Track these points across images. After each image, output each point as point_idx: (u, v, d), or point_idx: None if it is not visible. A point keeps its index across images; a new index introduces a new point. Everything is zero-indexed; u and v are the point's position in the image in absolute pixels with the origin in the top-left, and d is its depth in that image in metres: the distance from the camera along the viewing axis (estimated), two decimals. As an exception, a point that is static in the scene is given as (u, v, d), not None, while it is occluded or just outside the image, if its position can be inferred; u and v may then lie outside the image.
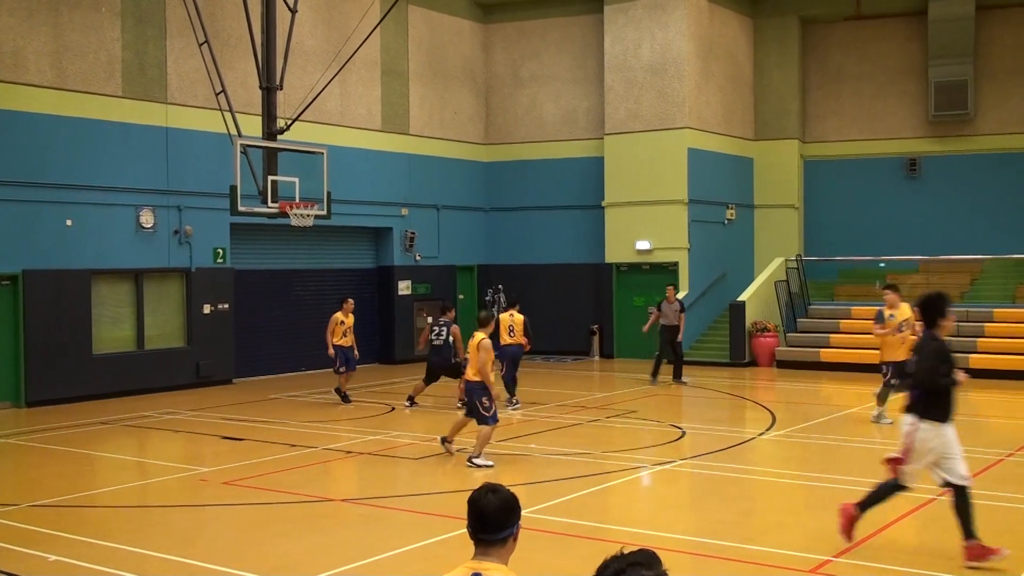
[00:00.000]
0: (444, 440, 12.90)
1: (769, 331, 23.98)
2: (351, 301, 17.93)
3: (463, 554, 3.81)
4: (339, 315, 17.50)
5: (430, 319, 17.30)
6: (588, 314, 26.04)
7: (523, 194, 26.96)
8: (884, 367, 15.12)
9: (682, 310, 20.62)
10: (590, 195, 26.00)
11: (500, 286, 26.41)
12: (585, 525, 9.51)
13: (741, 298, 24.26)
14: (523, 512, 3.83)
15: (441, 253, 25.78)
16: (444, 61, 26.09)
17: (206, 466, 12.54)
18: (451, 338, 16.50)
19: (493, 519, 3.76)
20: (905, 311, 14.96)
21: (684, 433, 14.84)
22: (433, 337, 16.68)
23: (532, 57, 26.98)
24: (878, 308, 15.84)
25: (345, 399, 17.67)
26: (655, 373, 20.54)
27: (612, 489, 11.35)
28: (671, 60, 24.65)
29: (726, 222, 26.24)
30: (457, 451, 12.84)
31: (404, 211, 24.70)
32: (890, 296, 15.48)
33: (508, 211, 27.12)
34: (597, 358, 25.46)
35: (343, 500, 10.67)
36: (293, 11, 19.52)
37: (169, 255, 19.82)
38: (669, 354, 20.52)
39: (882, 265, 25.94)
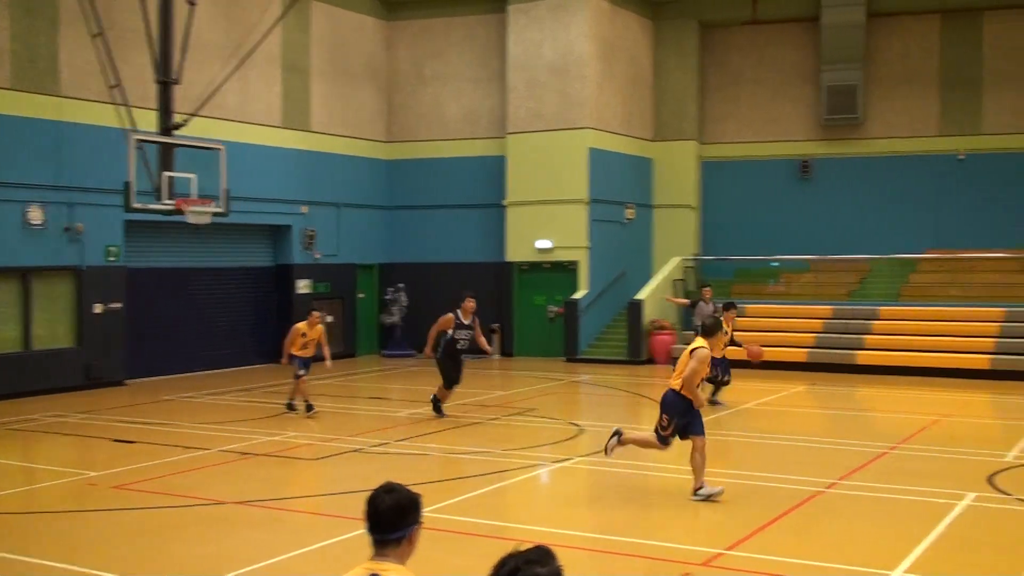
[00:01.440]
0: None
1: (666, 329, 24.38)
2: (317, 314, 16.71)
3: (363, 555, 3.80)
4: (302, 326, 16.39)
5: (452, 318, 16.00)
6: (489, 313, 26.11)
7: (425, 192, 26.91)
8: None
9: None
10: (491, 194, 26.08)
11: (401, 285, 26.32)
12: (483, 524, 9.55)
13: (638, 296, 24.61)
14: (423, 512, 3.82)
15: (341, 251, 25.57)
16: (346, 58, 25.88)
17: (95, 470, 12.21)
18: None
19: (387, 519, 3.76)
20: None
21: (582, 430, 15.00)
22: (461, 337, 16.00)
23: (435, 55, 26.94)
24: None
25: (303, 408, 16.33)
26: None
27: (510, 487, 11.42)
28: (573, 61, 24.88)
29: (626, 222, 26.59)
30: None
31: (304, 209, 24.43)
32: None
33: (410, 209, 27.03)
34: (497, 357, 25.56)
35: (239, 503, 10.52)
36: (192, 3, 19.14)
37: (59, 253, 19.25)
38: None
39: (776, 264, 26.62)
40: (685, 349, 10.72)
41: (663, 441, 10.60)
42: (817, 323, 23.48)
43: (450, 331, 16.04)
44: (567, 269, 25.17)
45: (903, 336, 22.32)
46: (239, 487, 11.33)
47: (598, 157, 25.17)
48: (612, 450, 10.95)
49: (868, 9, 25.88)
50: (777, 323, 23.70)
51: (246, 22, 22.46)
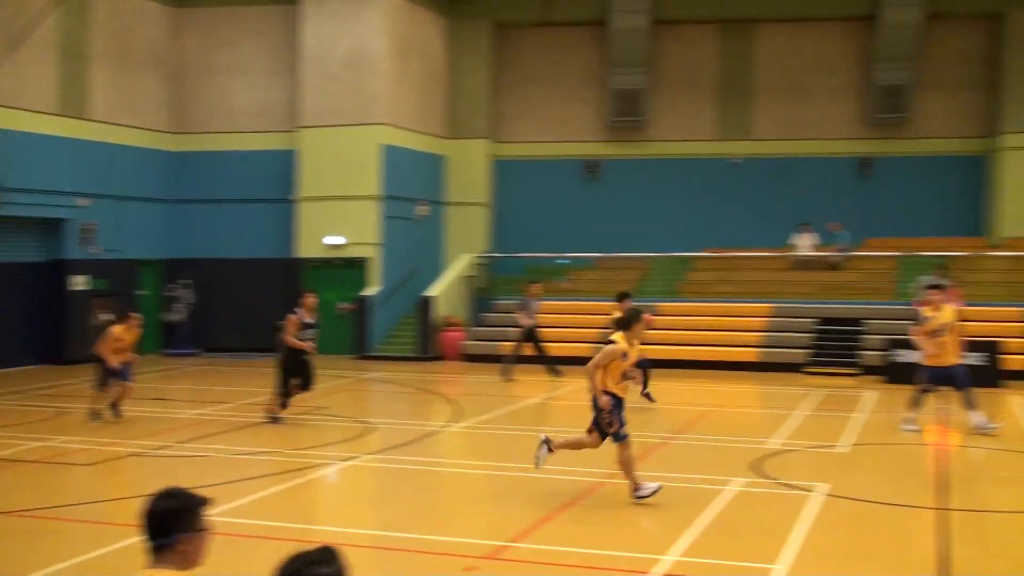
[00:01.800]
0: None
1: (455, 326, 24.66)
2: (136, 317, 15.68)
3: (140, 563, 3.71)
4: (118, 329, 15.23)
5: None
6: (277, 310, 25.59)
7: (213, 186, 26.14)
8: (921, 372, 14.33)
9: None
10: (282, 189, 25.63)
11: (186, 281, 25.50)
12: (269, 525, 9.43)
13: (429, 293, 24.79)
14: (204, 517, 3.76)
15: (123, 246, 24.50)
16: (130, 45, 24.80)
17: None
18: None
19: (157, 524, 3.69)
20: (948, 313, 14.06)
21: (371, 428, 15.00)
22: (306, 337, 15.18)
23: (226, 45, 26.21)
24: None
25: (113, 414, 15.19)
26: None
27: (297, 487, 11.30)
28: (367, 56, 24.76)
29: (418, 218, 26.69)
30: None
31: (82, 201, 23.26)
32: (936, 296, 14.47)
33: (197, 203, 26.19)
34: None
35: (5, 513, 9.97)
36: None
37: None
38: None
39: (564, 262, 27.37)
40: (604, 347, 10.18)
41: (620, 437, 10.05)
42: (600, 319, 24.26)
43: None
44: (358, 266, 25.05)
45: (680, 331, 23.39)
46: (7, 497, 10.73)
47: (391, 153, 25.15)
48: (542, 460, 10.54)
49: (653, 16, 26.95)
50: (566, 319, 24.37)
51: (17, 3, 21.19)
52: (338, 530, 9.29)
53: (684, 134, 27.69)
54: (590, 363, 10.15)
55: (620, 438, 10.12)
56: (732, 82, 27.54)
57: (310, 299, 15.57)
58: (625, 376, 10.21)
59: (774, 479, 11.30)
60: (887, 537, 9.08)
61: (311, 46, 25.02)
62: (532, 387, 19.11)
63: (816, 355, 22.14)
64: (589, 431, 10.41)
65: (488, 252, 27.70)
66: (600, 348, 10.33)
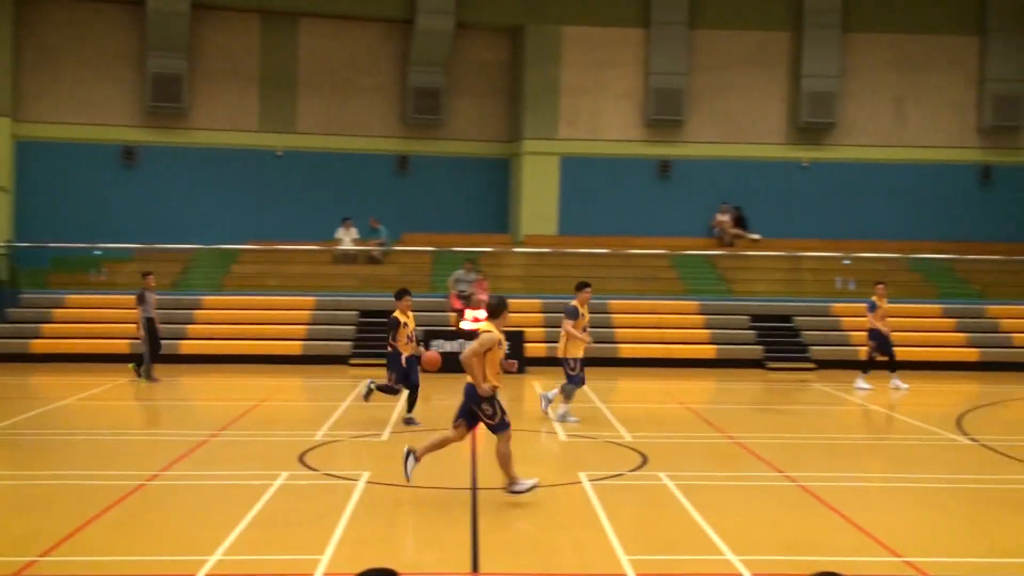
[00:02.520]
0: None
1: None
2: None
3: None
4: None
5: None
6: None
7: None
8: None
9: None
10: None
11: None
12: None
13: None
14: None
15: None
16: None
17: None
18: None
19: None
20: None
21: None
22: None
23: None
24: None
25: None
26: None
27: None
28: None
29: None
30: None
31: None
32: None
33: None
34: None
35: None
36: None
37: None
38: None
39: (98, 252, 25.80)
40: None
41: (503, 427, 9.95)
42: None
43: None
44: None
45: (224, 325, 23.01)
46: None
47: None
48: (410, 471, 10.19)
49: None
50: (101, 314, 23.00)
51: None
52: None
53: (227, 123, 27.24)
54: (468, 352, 9.89)
55: (501, 428, 9.97)
56: (274, 74, 27.52)
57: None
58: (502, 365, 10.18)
59: (319, 470, 11.52)
60: (425, 519, 9.62)
61: None
62: (66, 388, 17.83)
63: (359, 348, 22.79)
64: (456, 425, 10.15)
65: (10, 241, 25.37)
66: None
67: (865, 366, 19.88)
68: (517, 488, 10.05)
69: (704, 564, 8.18)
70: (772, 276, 26.58)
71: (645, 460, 12.13)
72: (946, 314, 24.93)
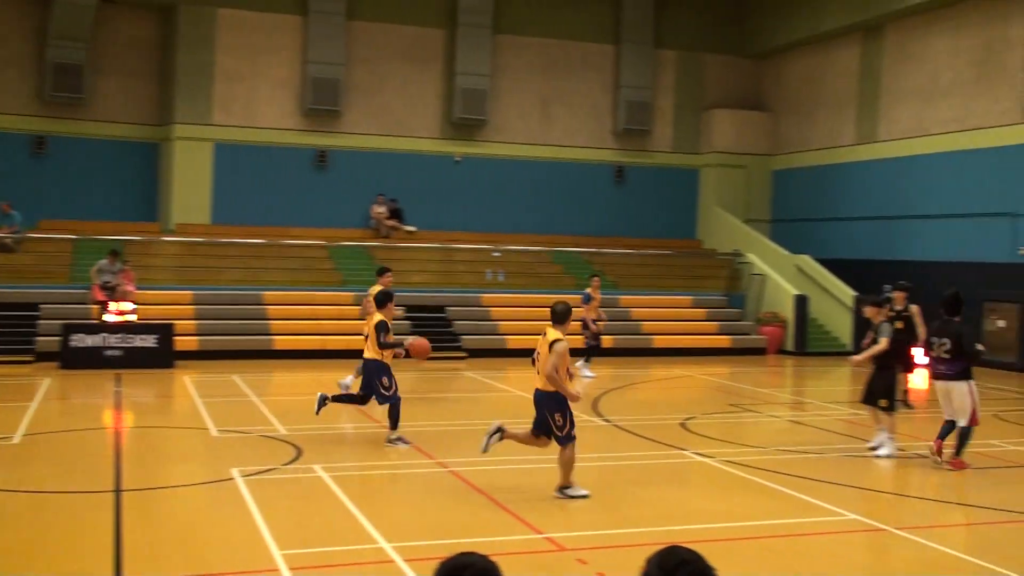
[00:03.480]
0: None
1: None
2: None
3: None
4: None
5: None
6: None
7: None
8: None
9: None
10: None
11: None
12: None
13: None
14: None
15: None
16: None
17: None
18: None
19: None
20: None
21: None
22: None
23: None
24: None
25: None
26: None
27: None
28: None
29: None
30: None
31: None
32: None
33: None
34: None
35: None
36: None
37: None
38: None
39: None
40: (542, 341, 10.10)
41: (568, 439, 10.13)
42: None
43: None
44: None
45: None
46: None
47: None
48: (490, 447, 10.40)
49: None
50: None
51: None
52: None
53: None
54: (550, 366, 9.92)
55: (567, 441, 10.15)
56: None
57: None
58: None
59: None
60: (63, 526, 9.05)
61: None
62: None
63: (-10, 342, 20.95)
64: (537, 436, 10.40)
65: None
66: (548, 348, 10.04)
67: (586, 354, 21.02)
68: (572, 493, 10.20)
69: (358, 554, 8.31)
70: (427, 268, 27.22)
71: (300, 453, 12.09)
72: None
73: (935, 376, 12.35)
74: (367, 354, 12.83)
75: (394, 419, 12.67)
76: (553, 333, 10.00)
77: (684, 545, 3.27)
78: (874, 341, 12.81)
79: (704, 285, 28.81)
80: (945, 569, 8.44)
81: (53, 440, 13.01)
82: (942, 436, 12.20)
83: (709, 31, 31.73)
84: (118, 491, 10.13)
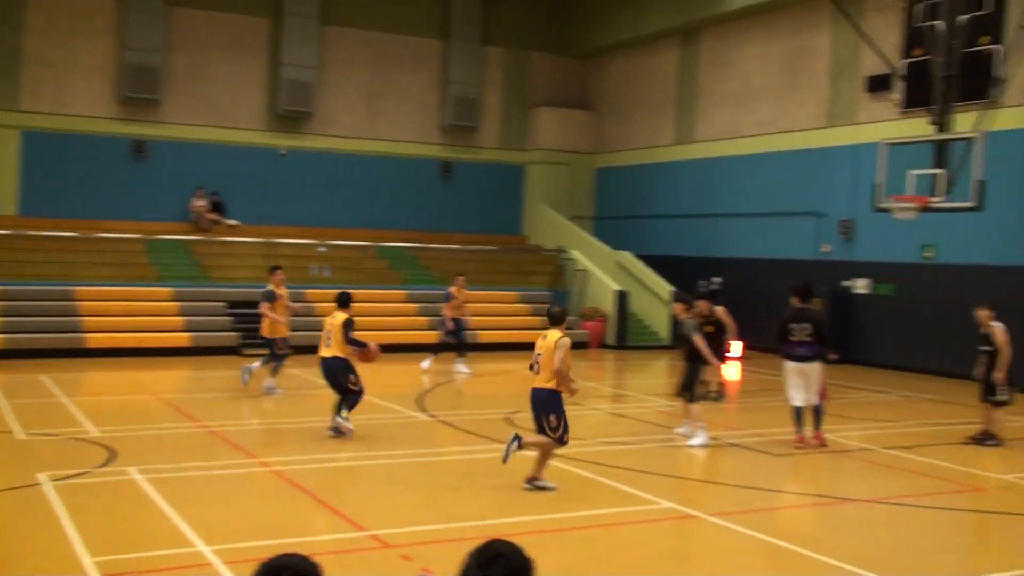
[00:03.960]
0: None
1: None
2: None
3: None
4: None
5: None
6: None
7: None
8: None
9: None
10: None
11: None
12: None
13: None
14: None
15: None
16: None
17: None
18: None
19: None
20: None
21: None
22: None
23: None
24: None
25: None
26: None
27: None
28: None
29: None
30: None
31: None
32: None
33: None
34: None
35: None
36: None
37: None
38: None
39: None
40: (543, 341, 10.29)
41: (559, 443, 10.38)
42: None
43: None
44: None
45: None
46: None
47: None
48: (510, 455, 10.34)
49: None
50: None
51: None
52: None
53: None
54: (559, 362, 10.14)
55: (559, 445, 10.44)
56: None
57: None
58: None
59: None
60: None
61: None
62: None
63: None
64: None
65: None
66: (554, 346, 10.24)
67: (453, 348, 21.20)
68: (540, 485, 10.37)
69: (175, 558, 8.08)
70: (249, 262, 26.56)
71: (114, 455, 11.65)
72: (410, 299, 26.61)
73: (795, 358, 13.17)
74: (329, 353, 13.04)
75: (351, 405, 13.04)
76: (555, 333, 10.34)
77: (504, 538, 3.34)
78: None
79: (529, 281, 29.23)
80: (753, 552, 8.86)
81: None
82: (800, 424, 13.20)
83: (536, 29, 32.21)
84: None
